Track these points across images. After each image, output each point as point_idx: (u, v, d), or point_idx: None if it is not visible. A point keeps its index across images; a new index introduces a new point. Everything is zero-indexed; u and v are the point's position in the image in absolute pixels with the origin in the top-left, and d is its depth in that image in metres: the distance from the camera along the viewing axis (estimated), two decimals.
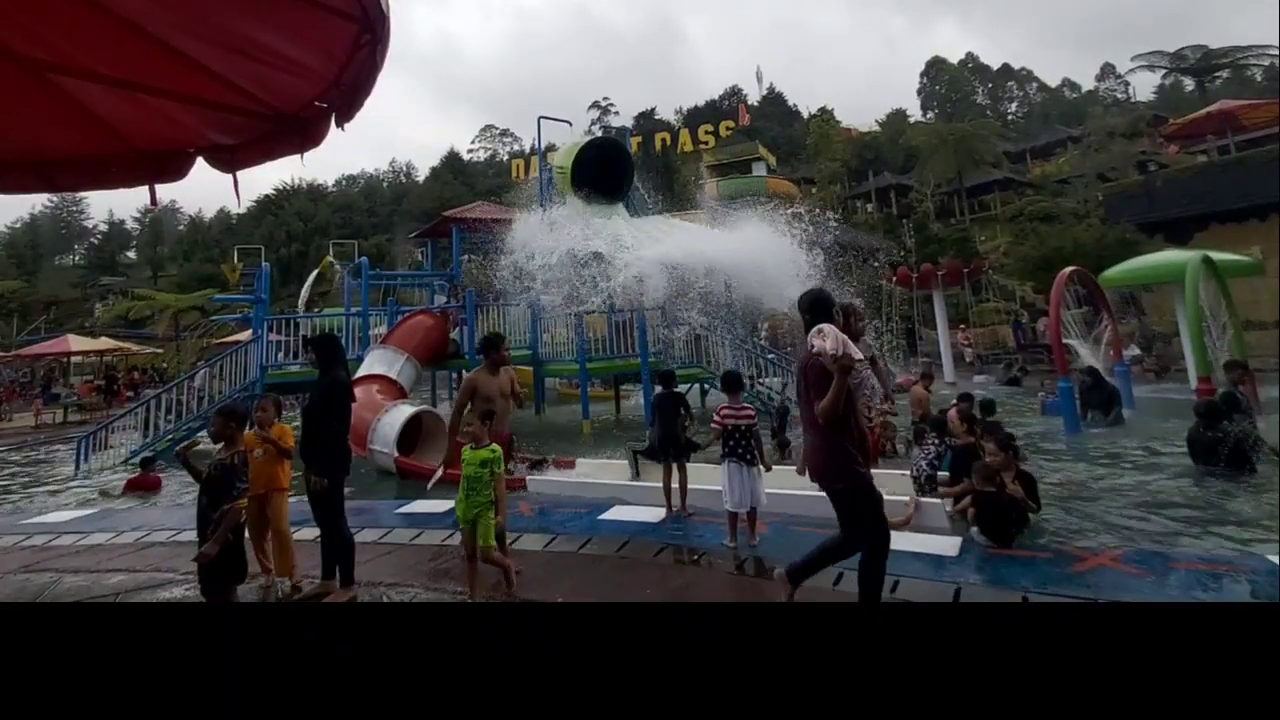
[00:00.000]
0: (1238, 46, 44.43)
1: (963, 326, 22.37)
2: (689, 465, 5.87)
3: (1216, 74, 46.04)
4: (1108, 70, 70.85)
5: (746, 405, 5.18)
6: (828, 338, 3.20)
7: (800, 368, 3.52)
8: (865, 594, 3.31)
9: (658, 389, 6.15)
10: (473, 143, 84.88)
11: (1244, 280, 12.48)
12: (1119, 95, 64.11)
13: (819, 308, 3.52)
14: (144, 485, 9.11)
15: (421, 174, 77.13)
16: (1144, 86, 61.25)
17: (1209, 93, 42.70)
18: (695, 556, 4.76)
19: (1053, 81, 77.17)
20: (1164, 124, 34.25)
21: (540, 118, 15.49)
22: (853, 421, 3.32)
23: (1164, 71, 49.49)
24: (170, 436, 11.69)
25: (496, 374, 4.90)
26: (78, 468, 11.37)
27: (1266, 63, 44.65)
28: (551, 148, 15.84)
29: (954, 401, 6.76)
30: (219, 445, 3.71)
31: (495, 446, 4.19)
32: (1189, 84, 49.07)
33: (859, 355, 3.23)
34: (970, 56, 77.32)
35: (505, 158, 76.84)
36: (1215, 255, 10.61)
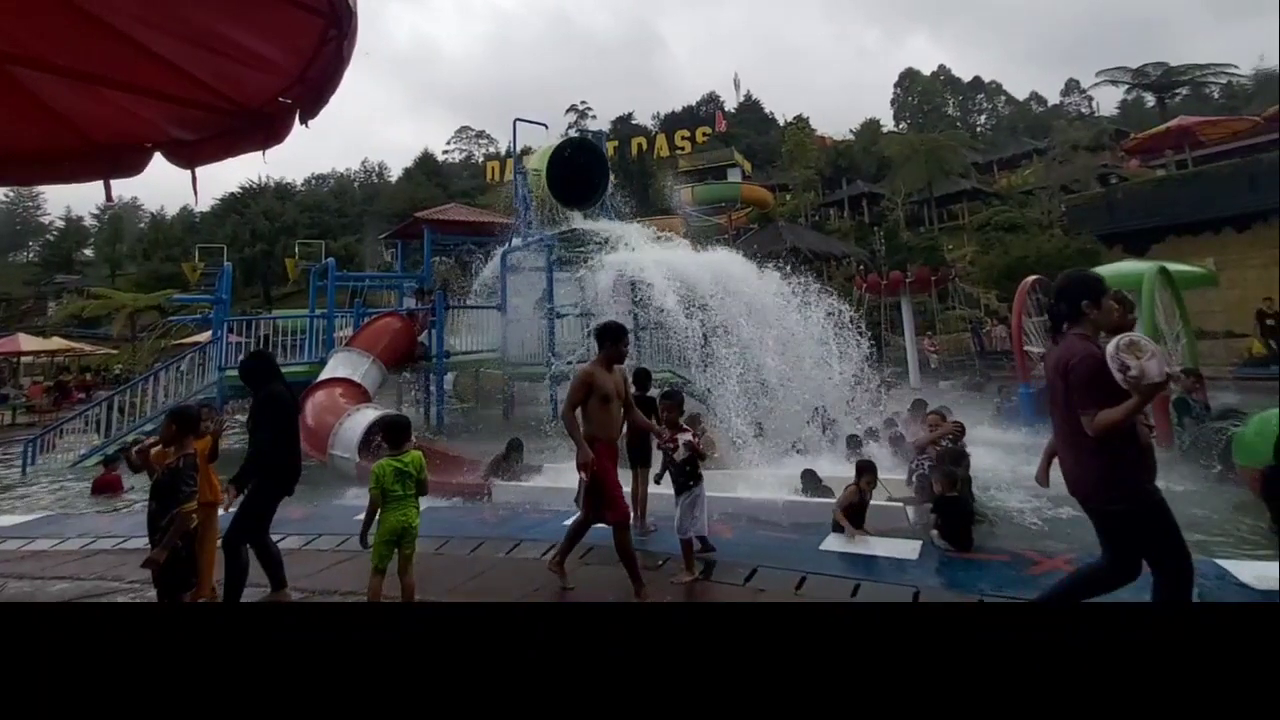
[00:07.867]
0: (1198, 64, 45.73)
1: (929, 334, 22.76)
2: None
3: (1177, 90, 47.36)
4: (1072, 85, 72.88)
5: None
6: (1152, 358, 2.52)
7: (1062, 366, 2.82)
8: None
9: (632, 389, 6.03)
10: (448, 144, 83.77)
11: (1198, 291, 12.87)
12: (1083, 110, 65.88)
13: (1079, 294, 2.87)
14: (108, 484, 9.02)
15: (394, 175, 75.95)
16: (1107, 101, 62.99)
17: (1169, 109, 43.95)
18: (660, 562, 4.78)
19: (1020, 95, 79.05)
20: (1125, 138, 35.21)
21: (516, 120, 15.32)
22: (1136, 431, 2.75)
23: (1126, 87, 50.78)
24: (124, 437, 11.40)
25: (612, 370, 4.51)
26: (24, 471, 11.04)
27: (1225, 80, 46.23)
28: (527, 150, 15.67)
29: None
30: (169, 448, 3.61)
31: (386, 461, 3.88)
32: (1150, 100, 50.44)
33: (1161, 374, 2.53)
34: (942, 69, 78.75)
35: (480, 160, 76.13)
36: (1171, 266, 10.92)
